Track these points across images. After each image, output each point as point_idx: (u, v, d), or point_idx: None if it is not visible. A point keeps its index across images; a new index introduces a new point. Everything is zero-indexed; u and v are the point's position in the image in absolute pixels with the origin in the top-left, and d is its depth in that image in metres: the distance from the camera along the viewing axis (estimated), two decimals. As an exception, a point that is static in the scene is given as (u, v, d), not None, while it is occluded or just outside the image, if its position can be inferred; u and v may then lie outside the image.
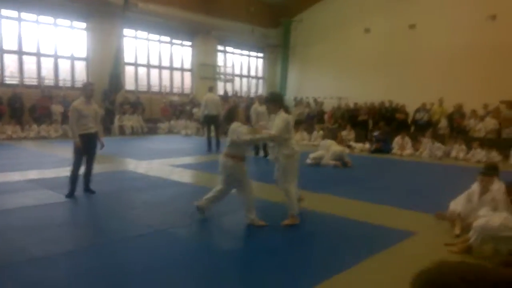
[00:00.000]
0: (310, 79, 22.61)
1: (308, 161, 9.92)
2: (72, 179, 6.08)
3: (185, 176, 8.32)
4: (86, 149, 6.12)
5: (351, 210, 5.76)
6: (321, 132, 15.03)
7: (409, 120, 15.63)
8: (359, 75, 19.94)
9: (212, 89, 13.14)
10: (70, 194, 6.04)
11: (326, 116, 17.63)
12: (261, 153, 11.07)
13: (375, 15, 19.78)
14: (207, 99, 12.11)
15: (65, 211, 5.56)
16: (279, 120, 4.94)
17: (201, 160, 10.59)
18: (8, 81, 15.37)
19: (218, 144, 11.99)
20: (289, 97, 22.22)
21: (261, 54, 24.77)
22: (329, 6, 21.61)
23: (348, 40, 20.67)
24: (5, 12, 15.06)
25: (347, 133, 14.85)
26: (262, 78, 25.01)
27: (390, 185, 8.01)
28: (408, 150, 12.88)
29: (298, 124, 16.61)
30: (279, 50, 24.17)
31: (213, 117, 12.04)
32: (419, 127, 14.88)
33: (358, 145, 13.86)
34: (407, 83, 17.89)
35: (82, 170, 6.22)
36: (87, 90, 6.24)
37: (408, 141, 13.16)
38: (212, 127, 12.27)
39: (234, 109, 5.22)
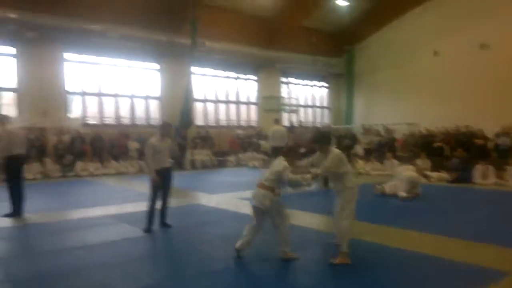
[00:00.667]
0: (378, 105, 22.05)
1: (377, 191, 9.47)
2: (149, 214, 6.27)
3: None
4: (161, 183, 6.31)
5: (427, 245, 5.31)
6: (393, 161, 14.45)
7: (490, 145, 14.51)
8: (431, 100, 19.13)
9: (278, 121, 13.31)
10: (148, 229, 6.21)
11: (397, 144, 16.90)
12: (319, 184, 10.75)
13: (444, 36, 19.09)
14: (274, 131, 12.20)
15: (143, 245, 5.72)
16: (332, 157, 4.73)
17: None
18: (90, 121, 16.64)
19: None
20: (357, 125, 21.81)
21: (325, 84, 24.69)
22: (393, 32, 21.23)
23: (416, 64, 20.03)
24: (86, 58, 16.50)
25: (422, 162, 14.07)
26: (327, 107, 24.81)
27: (473, 217, 7.37)
28: (492, 179, 11.88)
29: (368, 153, 16.12)
30: (343, 79, 23.96)
31: (280, 149, 12.04)
32: (501, 153, 13.73)
33: (435, 174, 13.04)
34: (483, 105, 16.84)
35: (158, 205, 6.42)
36: (163, 130, 6.49)
37: (490, 168, 12.16)
38: None
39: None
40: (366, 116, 22.24)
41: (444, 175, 12.91)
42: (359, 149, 17.38)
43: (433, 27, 19.39)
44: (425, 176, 12.44)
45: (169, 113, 17.86)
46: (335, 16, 21.40)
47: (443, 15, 19.04)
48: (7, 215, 7.22)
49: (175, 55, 17.84)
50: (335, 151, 4.83)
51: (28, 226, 6.79)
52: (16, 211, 7.30)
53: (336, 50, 23.21)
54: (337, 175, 4.79)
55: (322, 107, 24.68)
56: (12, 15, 13.69)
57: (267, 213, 4.77)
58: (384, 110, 21.16)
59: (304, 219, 6.98)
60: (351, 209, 4.79)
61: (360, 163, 15.29)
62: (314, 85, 24.27)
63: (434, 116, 17.78)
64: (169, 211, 6.61)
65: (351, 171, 4.99)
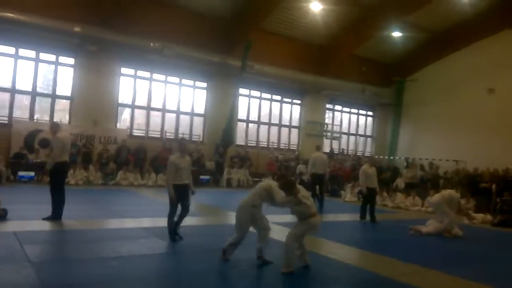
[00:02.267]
0: (423, 140, 21.40)
1: (412, 231, 9.09)
2: (170, 228, 6.62)
3: (280, 234, 8.22)
4: (180, 198, 6.59)
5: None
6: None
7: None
8: (479, 138, 18.38)
9: (319, 148, 13.26)
10: (173, 239, 6.59)
11: (442, 181, 16.22)
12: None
13: (501, 74, 18.35)
14: (316, 158, 12.10)
15: (172, 263, 5.79)
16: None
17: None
18: (136, 133, 17.28)
19: (321, 202, 11.79)
20: (400, 157, 21.25)
21: (370, 113, 24.32)
22: (446, 65, 20.70)
23: (468, 100, 19.36)
24: (140, 72, 17.27)
25: (466, 202, 13.42)
26: (371, 136, 24.36)
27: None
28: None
29: (410, 187, 15.60)
30: (390, 109, 23.55)
31: (320, 176, 12.01)
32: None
33: (479, 216, 12.38)
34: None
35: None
36: (181, 146, 6.87)
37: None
38: (317, 186, 12.17)
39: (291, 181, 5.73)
40: (410, 149, 21.61)
41: (488, 217, 12.24)
42: (400, 183, 16.87)
43: (488, 64, 18.73)
44: (468, 217, 11.86)
45: (211, 130, 18.26)
46: (387, 46, 21.22)
47: (498, 52, 18.39)
48: (46, 218, 7.58)
49: (223, 75, 18.29)
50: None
51: (65, 232, 7.09)
52: (55, 215, 7.66)
53: (385, 80, 22.89)
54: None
55: (365, 136, 24.26)
56: (77, 29, 14.61)
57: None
58: (430, 145, 20.49)
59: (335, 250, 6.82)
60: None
61: (400, 197, 14.81)
62: (359, 113, 23.97)
63: (482, 155, 16.98)
64: (198, 229, 6.71)
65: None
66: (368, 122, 24.47)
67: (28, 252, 5.45)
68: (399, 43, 20.66)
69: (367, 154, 23.15)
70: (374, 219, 10.36)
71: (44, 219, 7.54)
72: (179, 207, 6.71)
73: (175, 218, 6.70)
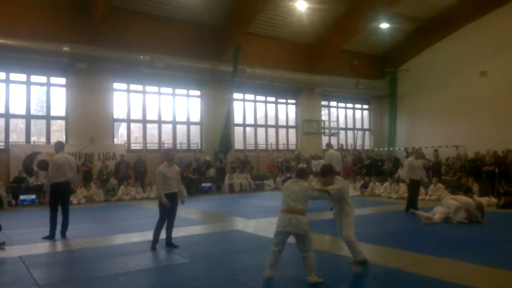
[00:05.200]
0: (421, 128, 21.40)
1: (425, 221, 9.04)
2: (155, 233, 6.80)
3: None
4: (170, 206, 6.76)
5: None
6: (439, 185, 13.93)
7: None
8: (477, 122, 18.40)
9: (331, 145, 13.20)
10: (153, 247, 6.76)
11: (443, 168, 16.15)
12: None
13: (491, 56, 18.42)
14: (332, 155, 11.79)
15: (182, 273, 5.68)
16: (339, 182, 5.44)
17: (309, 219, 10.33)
18: (133, 147, 17.22)
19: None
20: (399, 148, 21.25)
21: (366, 106, 24.33)
22: (437, 53, 20.77)
23: (462, 85, 19.39)
24: (132, 86, 17.24)
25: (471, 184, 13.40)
26: (369, 129, 24.37)
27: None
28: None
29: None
30: (386, 101, 23.55)
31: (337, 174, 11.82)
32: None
33: (484, 199, 12.34)
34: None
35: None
36: (168, 155, 7.01)
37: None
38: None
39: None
40: (409, 139, 21.60)
41: (493, 200, 12.23)
42: (401, 173, 16.81)
43: (478, 47, 18.80)
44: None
45: (209, 138, 18.24)
46: (376, 38, 21.28)
47: (488, 35, 18.44)
48: (45, 238, 7.65)
49: (216, 82, 18.28)
50: (340, 178, 5.64)
51: (72, 252, 7.03)
52: (53, 235, 7.72)
53: (378, 72, 22.94)
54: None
55: (363, 130, 24.26)
56: (65, 48, 14.57)
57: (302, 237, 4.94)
58: (428, 133, 20.48)
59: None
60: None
61: (404, 188, 14.76)
62: (355, 107, 23.98)
63: (481, 139, 17.00)
64: (207, 237, 6.68)
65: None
66: (364, 115, 24.47)
67: (35, 276, 5.41)
68: (387, 34, 20.68)
69: (366, 147, 23.14)
70: (413, 208, 10.24)
71: (44, 238, 7.62)
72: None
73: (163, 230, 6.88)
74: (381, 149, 21.99)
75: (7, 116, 14.92)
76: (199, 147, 18.56)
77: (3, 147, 14.55)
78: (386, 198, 14.64)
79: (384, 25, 19.75)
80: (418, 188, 11.22)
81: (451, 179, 14.73)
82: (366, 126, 24.39)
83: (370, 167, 17.93)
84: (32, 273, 5.55)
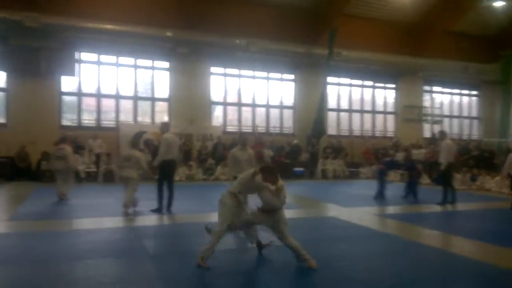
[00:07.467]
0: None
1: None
2: None
3: (389, 227, 7.78)
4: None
5: None
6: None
7: None
8: None
9: (445, 134, 11.42)
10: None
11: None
12: None
13: None
14: (450, 146, 10.67)
15: (275, 255, 5.67)
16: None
17: (406, 211, 9.77)
18: (229, 129, 17.73)
19: (454, 193, 10.55)
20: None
21: (475, 92, 22.22)
22: None
23: None
24: (229, 70, 17.69)
25: None
26: (477, 118, 22.25)
27: None
28: None
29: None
30: (498, 87, 21.24)
31: (453, 165, 10.95)
32: None
33: None
34: None
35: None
36: (241, 140, 7.42)
37: None
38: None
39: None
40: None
41: None
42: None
43: None
44: None
45: (302, 122, 18.07)
46: (488, 18, 19.15)
47: None
48: (153, 210, 8.17)
49: (310, 65, 17.99)
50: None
51: (176, 226, 7.46)
52: (160, 208, 8.21)
53: (490, 55, 20.71)
54: None
55: (470, 118, 22.23)
56: (169, 33, 15.39)
57: None
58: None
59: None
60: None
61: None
62: (462, 94, 22.02)
63: None
64: (300, 222, 6.58)
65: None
66: (472, 102, 22.38)
67: (146, 246, 5.82)
68: (502, 12, 18.51)
69: (473, 137, 21.19)
70: None
71: (151, 210, 8.16)
72: None
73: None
74: (491, 139, 19.97)
75: (118, 97, 16.25)
76: (292, 131, 18.50)
77: (114, 126, 15.91)
78: (496, 193, 13.26)
79: (498, 3, 17.70)
80: None
81: None
82: (474, 114, 22.30)
83: (479, 159, 16.38)
84: (143, 243, 5.94)
